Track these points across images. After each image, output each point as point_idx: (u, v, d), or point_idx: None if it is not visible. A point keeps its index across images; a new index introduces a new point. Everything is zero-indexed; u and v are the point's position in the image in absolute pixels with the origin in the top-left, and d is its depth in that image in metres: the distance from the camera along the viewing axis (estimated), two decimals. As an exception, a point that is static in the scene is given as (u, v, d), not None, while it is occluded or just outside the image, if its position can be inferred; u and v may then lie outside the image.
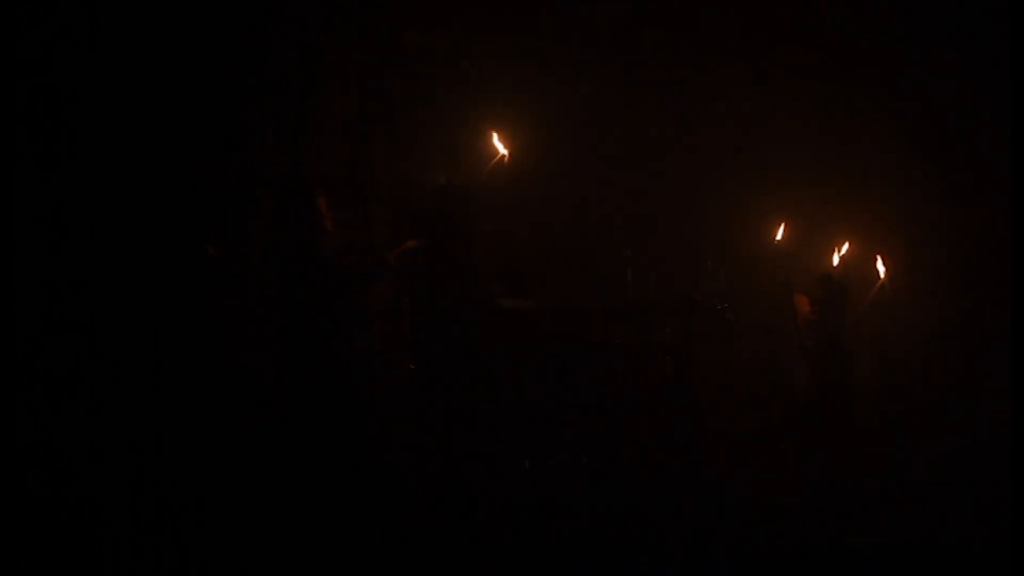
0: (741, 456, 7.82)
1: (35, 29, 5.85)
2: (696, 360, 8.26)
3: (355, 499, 6.25)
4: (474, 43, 8.86)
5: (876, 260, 8.68)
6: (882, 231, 9.24)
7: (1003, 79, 6.24)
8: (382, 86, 8.63)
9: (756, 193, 9.17)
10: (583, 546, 6.15)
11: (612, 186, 9.28)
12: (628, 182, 9.36)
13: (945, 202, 9.77)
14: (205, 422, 6.10)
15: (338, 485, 6.26)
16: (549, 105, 8.71)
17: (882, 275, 8.84)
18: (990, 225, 9.21)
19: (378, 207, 8.65)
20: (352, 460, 6.39)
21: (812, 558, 6.17)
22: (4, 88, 5.72)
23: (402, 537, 6.09)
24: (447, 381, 6.90)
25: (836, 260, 8.64)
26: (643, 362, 8.21)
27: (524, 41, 9.09)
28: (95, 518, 5.67)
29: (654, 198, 9.41)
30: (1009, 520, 5.72)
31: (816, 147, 9.67)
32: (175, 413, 6.02)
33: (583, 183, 9.15)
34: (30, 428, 5.69)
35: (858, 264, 8.78)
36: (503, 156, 6.62)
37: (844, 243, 8.69)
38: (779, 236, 8.41)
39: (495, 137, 6.61)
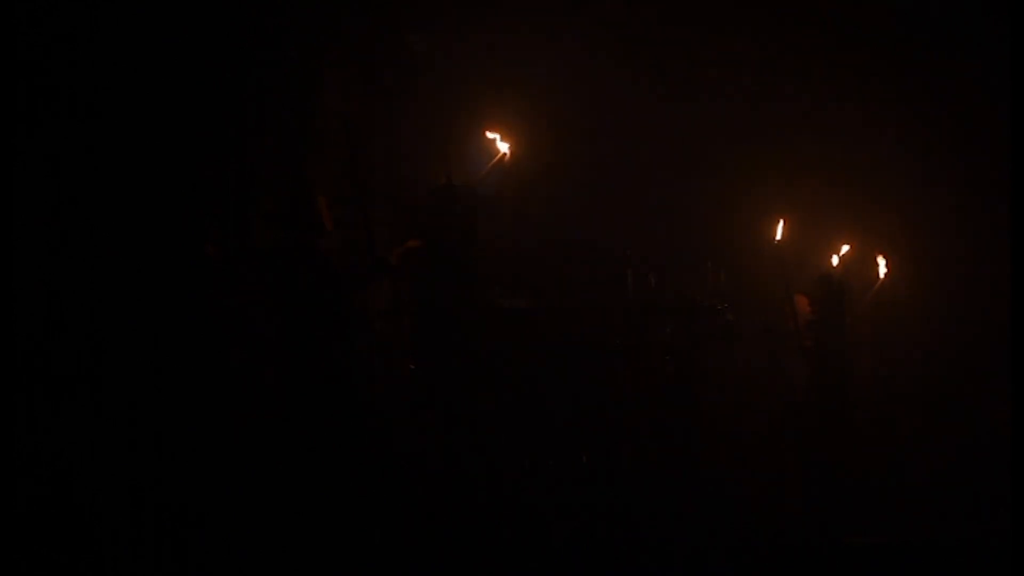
0: (741, 456, 7.81)
1: (35, 29, 5.85)
2: (696, 360, 8.26)
3: (355, 499, 6.25)
4: (474, 43, 8.86)
5: (878, 259, 8.68)
6: (882, 231, 9.24)
7: (1004, 78, 6.24)
8: (382, 86, 8.63)
9: (756, 193, 9.16)
10: (583, 546, 6.15)
11: (612, 186, 9.28)
12: (628, 182, 9.35)
13: (945, 202, 9.77)
14: (205, 422, 6.10)
15: (338, 485, 6.26)
16: (549, 105, 8.72)
17: (882, 275, 8.85)
18: (990, 225, 9.21)
19: (378, 207, 8.65)
20: (352, 460, 6.39)
21: (812, 558, 6.17)
22: (4, 88, 5.71)
23: (402, 537, 6.09)
24: (447, 381, 6.89)
25: (836, 260, 8.64)
26: (643, 362, 8.21)
27: (524, 41, 9.09)
28: (95, 518, 5.67)
29: (654, 198, 9.41)
30: (1009, 520, 5.72)
31: (816, 147, 9.67)
32: (175, 413, 6.02)
33: (583, 183, 9.15)
34: (30, 428, 5.69)
35: (858, 264, 8.79)
36: (503, 155, 6.62)
37: (844, 243, 8.68)
38: (779, 236, 8.41)
39: (496, 137, 6.62)
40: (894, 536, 6.37)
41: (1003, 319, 6.34)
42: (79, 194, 5.98)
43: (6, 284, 5.67)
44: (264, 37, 7.50)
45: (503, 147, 6.60)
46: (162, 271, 6.15)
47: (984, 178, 9.37)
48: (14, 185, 5.73)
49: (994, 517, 6.18)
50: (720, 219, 9.37)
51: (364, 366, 7.05)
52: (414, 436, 6.97)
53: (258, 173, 7.39)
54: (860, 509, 6.90)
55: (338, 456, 6.36)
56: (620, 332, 8.24)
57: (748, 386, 8.47)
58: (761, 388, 8.48)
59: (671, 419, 7.88)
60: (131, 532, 5.69)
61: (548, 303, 8.01)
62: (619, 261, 8.45)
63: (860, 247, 8.82)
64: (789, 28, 9.64)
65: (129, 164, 6.13)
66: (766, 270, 8.70)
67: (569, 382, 7.79)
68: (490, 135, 6.68)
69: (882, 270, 8.94)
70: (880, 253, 8.94)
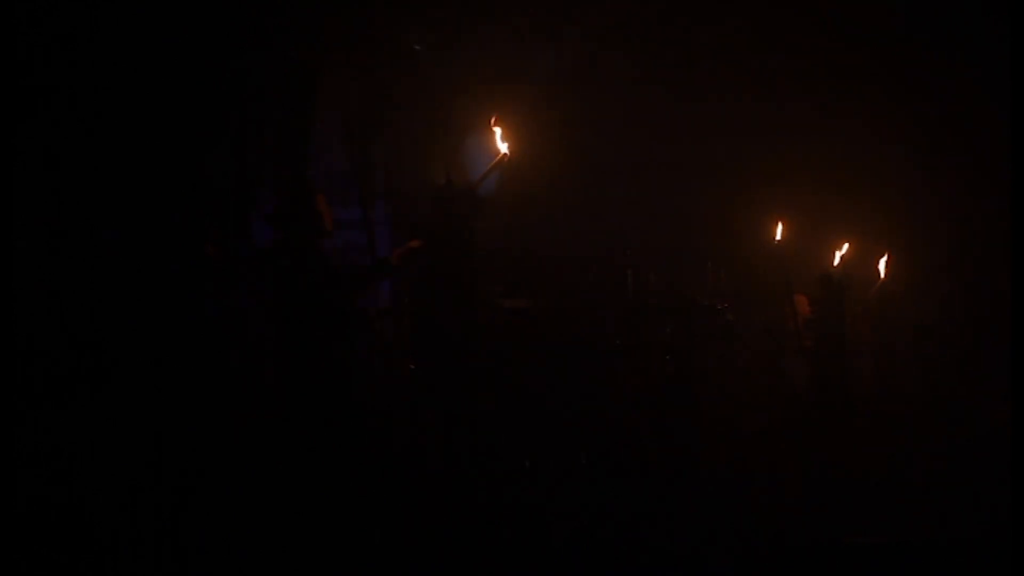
0: (741, 456, 7.81)
1: (35, 29, 5.85)
2: (696, 360, 8.26)
3: (355, 499, 6.25)
4: (474, 43, 8.87)
5: (880, 259, 8.68)
6: (882, 231, 9.24)
7: (1003, 79, 6.25)
8: (382, 86, 8.64)
9: (756, 193, 9.16)
10: (583, 546, 6.14)
11: (612, 186, 9.28)
12: (628, 182, 9.36)
13: (945, 202, 9.77)
14: (205, 422, 6.10)
15: (338, 485, 6.26)
16: (549, 105, 8.72)
17: (882, 275, 8.85)
18: (990, 224, 9.22)
19: (378, 207, 8.66)
20: (352, 460, 6.39)
21: (812, 558, 6.17)
22: (4, 88, 5.72)
23: (402, 537, 6.09)
24: (447, 381, 6.89)
25: (836, 260, 8.64)
26: (643, 362, 8.21)
27: (524, 41, 9.09)
28: (95, 518, 5.67)
29: (654, 198, 9.42)
30: (1009, 520, 5.72)
31: (816, 147, 9.67)
32: (175, 413, 6.02)
33: (583, 183, 9.15)
34: (30, 428, 5.69)
35: (858, 264, 8.79)
36: (503, 155, 6.62)
37: (844, 243, 8.68)
38: (778, 236, 8.41)
39: (499, 136, 6.61)
40: (894, 536, 6.36)
41: (1003, 319, 6.35)
42: (79, 194, 5.99)
43: (6, 284, 5.67)
44: (264, 37, 7.50)
45: (503, 147, 6.59)
46: (162, 271, 6.16)
47: (984, 178, 9.38)
48: (14, 185, 5.74)
49: (994, 517, 6.18)
50: (720, 219, 9.38)
51: (364, 366, 7.06)
52: (414, 436, 6.98)
53: (258, 173, 7.39)
54: (860, 509, 6.89)
55: (338, 456, 6.36)
56: (620, 332, 8.24)
57: (748, 386, 8.47)
58: (761, 388, 8.48)
59: (671, 419, 7.88)
60: (131, 532, 5.69)
61: (548, 303, 8.01)
62: (619, 261, 8.45)
63: (860, 247, 8.82)
64: (790, 28, 9.64)
65: (129, 164, 6.13)
66: (766, 270, 8.70)
67: (569, 382, 7.79)
68: (489, 135, 6.68)
69: (882, 270, 8.94)
70: (880, 253, 8.94)
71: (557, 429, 7.55)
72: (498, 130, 6.55)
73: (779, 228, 8.43)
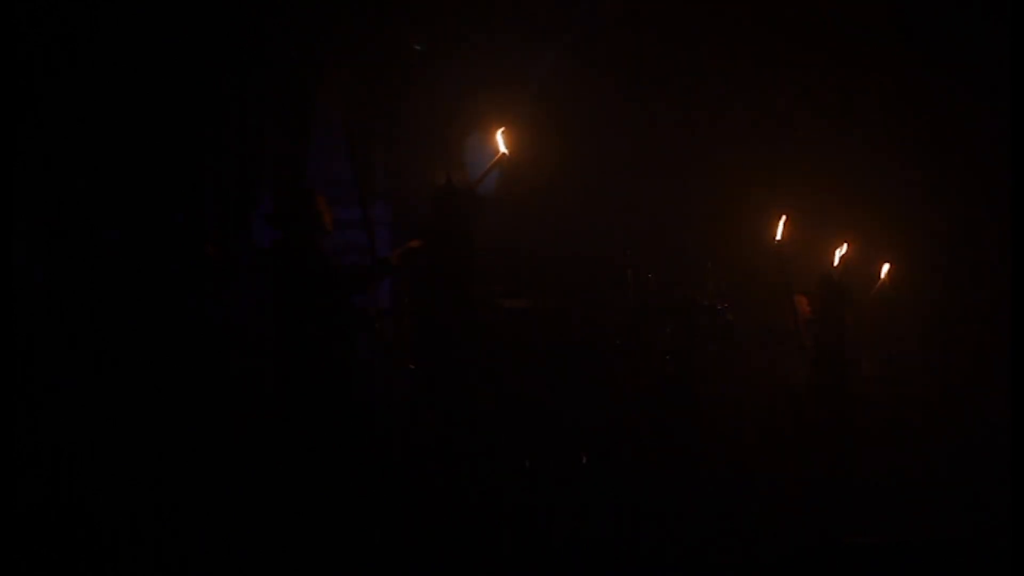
0: (741, 456, 7.81)
1: (35, 29, 5.85)
2: (696, 360, 8.26)
3: (355, 499, 6.25)
4: (474, 43, 8.87)
5: (878, 259, 8.68)
6: (882, 231, 9.24)
7: (1003, 79, 6.25)
8: (382, 86, 8.64)
9: (756, 193, 9.16)
10: (583, 546, 6.15)
11: (612, 186, 9.28)
12: (628, 182, 9.36)
13: (946, 201, 9.77)
14: (205, 422, 6.10)
15: (338, 485, 6.26)
16: (549, 105, 8.72)
17: (883, 274, 8.85)
18: (991, 224, 9.22)
19: (378, 207, 8.66)
20: (352, 460, 6.39)
21: (812, 558, 6.17)
22: (4, 88, 5.72)
23: (402, 537, 6.09)
24: (447, 381, 6.89)
25: (836, 260, 8.64)
26: (643, 362, 8.21)
27: (524, 41, 9.09)
28: (95, 518, 5.67)
29: (654, 198, 9.42)
30: (1009, 520, 5.72)
31: (816, 147, 9.67)
32: (175, 413, 6.03)
33: (583, 183, 9.15)
34: (30, 428, 5.69)
35: (858, 264, 8.79)
36: (503, 155, 6.62)
37: (844, 243, 8.68)
38: (779, 236, 8.41)
39: (499, 136, 6.61)
40: (894, 536, 6.37)
41: (1003, 318, 6.35)
42: (79, 194, 5.99)
43: (6, 284, 5.68)
44: (264, 37, 7.50)
45: (503, 147, 6.59)
46: (162, 271, 6.16)
47: (984, 178, 9.37)
48: (14, 185, 5.74)
49: (994, 517, 6.18)
50: (720, 219, 9.37)
51: (364, 366, 7.06)
52: (414, 436, 6.98)
53: (258, 173, 7.39)
54: (860, 509, 6.89)
55: (338, 456, 6.36)
56: (620, 332, 8.24)
57: (748, 386, 8.47)
58: (761, 388, 8.47)
59: (671, 419, 7.88)
60: (131, 532, 5.69)
61: (548, 303, 8.01)
62: (619, 261, 8.45)
63: (860, 247, 8.82)
64: (791, 28, 9.64)
65: (130, 164, 6.13)
66: (766, 270, 8.70)
67: (569, 382, 7.79)
68: (489, 135, 6.68)
69: (883, 270, 8.94)
70: (881, 253, 8.94)
71: (557, 429, 7.55)
72: (499, 131, 6.55)
73: (780, 228, 8.44)
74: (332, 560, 5.88)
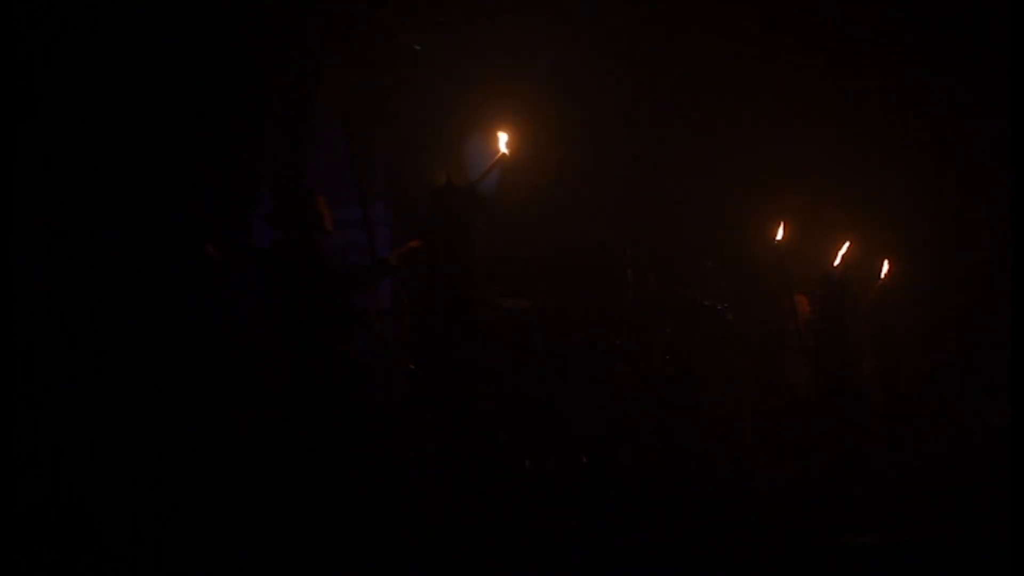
0: (741, 456, 7.81)
1: (35, 29, 5.85)
2: (696, 360, 8.25)
3: (355, 499, 6.25)
4: (474, 43, 8.87)
5: (878, 259, 8.68)
6: (883, 230, 9.24)
7: (1004, 79, 6.25)
8: (382, 86, 8.63)
9: (756, 193, 9.17)
10: (583, 546, 6.15)
11: (611, 187, 9.28)
12: (628, 182, 9.36)
13: (946, 201, 9.77)
14: (205, 422, 6.10)
15: (338, 485, 6.26)
16: (549, 105, 8.72)
17: (883, 274, 8.85)
18: (991, 224, 9.22)
19: (378, 207, 8.66)
20: (352, 460, 6.39)
21: (812, 558, 6.17)
22: (4, 88, 5.72)
23: (402, 537, 6.09)
24: (447, 381, 6.89)
25: (837, 260, 8.64)
26: (643, 362, 8.21)
27: (523, 41, 9.09)
28: (95, 518, 5.67)
29: (654, 198, 9.42)
30: (1009, 520, 5.72)
31: (817, 147, 9.67)
32: (175, 413, 6.02)
33: (583, 182, 9.15)
34: (30, 428, 5.69)
35: (858, 264, 8.79)
36: (503, 155, 6.62)
37: (845, 242, 8.68)
38: (779, 236, 8.41)
39: (499, 136, 6.61)
40: (894, 536, 6.37)
41: (1004, 318, 6.35)
42: (79, 194, 5.99)
43: (6, 284, 5.67)
44: (264, 37, 7.49)
45: (503, 147, 6.59)
46: (162, 271, 6.16)
47: (985, 178, 9.38)
48: (14, 185, 5.74)
49: (994, 517, 6.18)
50: (720, 219, 9.37)
51: (364, 366, 7.06)
52: (414, 436, 6.98)
53: (258, 173, 7.39)
54: (860, 509, 6.90)
55: (338, 456, 6.36)
56: (620, 332, 8.24)
57: (748, 386, 8.47)
58: (761, 388, 8.47)
59: (671, 419, 7.87)
60: (131, 532, 5.69)
61: (548, 303, 8.01)
62: (619, 261, 8.45)
63: (861, 246, 8.82)
64: (791, 28, 9.64)
65: (130, 164, 6.13)
66: (766, 270, 8.70)
67: (569, 382, 7.79)
68: (490, 134, 6.68)
69: (883, 270, 8.94)
70: (881, 252, 8.94)
71: (557, 429, 7.55)
72: (499, 131, 6.56)
73: (780, 228, 8.44)
74: (332, 560, 5.88)
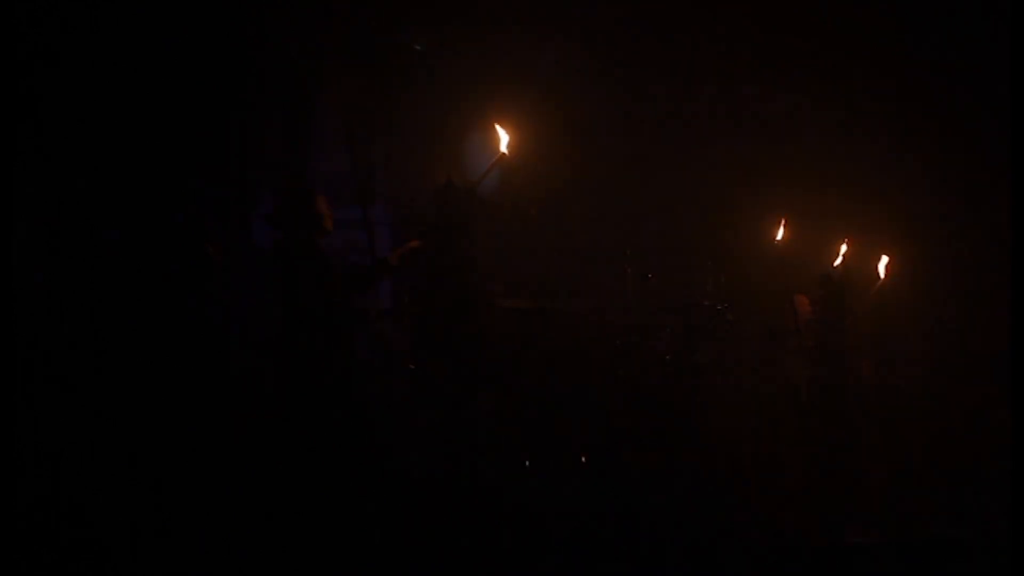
0: (741, 456, 7.81)
1: (35, 29, 5.85)
2: (696, 360, 8.25)
3: (355, 499, 6.25)
4: (474, 42, 8.87)
5: (878, 259, 8.67)
6: (883, 230, 9.23)
7: (1004, 78, 6.25)
8: (382, 86, 8.63)
9: (756, 193, 9.16)
10: (583, 546, 6.15)
11: (611, 186, 9.28)
12: (628, 182, 9.36)
13: (946, 201, 9.77)
14: (205, 422, 6.10)
15: (338, 485, 6.26)
16: (549, 105, 8.71)
17: (883, 274, 8.84)
18: (991, 224, 9.22)
19: (378, 207, 8.66)
20: (352, 460, 6.39)
21: (812, 558, 6.17)
22: (4, 88, 5.72)
23: (402, 537, 6.09)
24: (447, 381, 6.89)
25: (837, 260, 8.64)
26: (643, 362, 8.20)
27: (524, 41, 9.09)
28: (95, 518, 5.67)
29: (654, 198, 9.41)
30: (1009, 520, 5.72)
31: (817, 146, 9.67)
32: (175, 413, 6.02)
33: (583, 182, 9.15)
34: (30, 428, 5.69)
35: (858, 264, 8.78)
36: (503, 155, 6.61)
37: (844, 242, 8.68)
38: (779, 236, 8.40)
39: (500, 136, 6.61)
40: (894, 536, 6.37)
41: (1003, 318, 6.34)
42: (80, 194, 5.99)
43: (6, 284, 5.67)
44: (265, 37, 7.50)
45: (503, 146, 6.59)
46: (162, 271, 6.16)
47: (985, 177, 9.37)
48: (14, 185, 5.74)
49: (994, 517, 6.18)
50: (720, 219, 9.37)
51: (364, 366, 7.06)
52: (414, 436, 6.98)
53: (258, 173, 7.39)
54: (860, 509, 6.90)
55: (338, 456, 6.36)
56: (620, 332, 8.24)
57: (748, 386, 8.46)
58: (761, 388, 8.47)
59: (671, 419, 7.87)
60: (131, 532, 5.69)
61: (548, 303, 8.01)
62: (619, 261, 8.45)
63: (860, 247, 8.82)
64: (791, 27, 9.64)
65: (130, 164, 6.14)
66: (766, 270, 8.70)
67: (569, 382, 7.79)
68: (490, 134, 6.68)
69: (883, 270, 8.93)
70: (881, 252, 8.93)
71: (557, 429, 7.55)
72: (500, 130, 6.55)
73: (780, 228, 8.43)
74: (332, 560, 5.88)
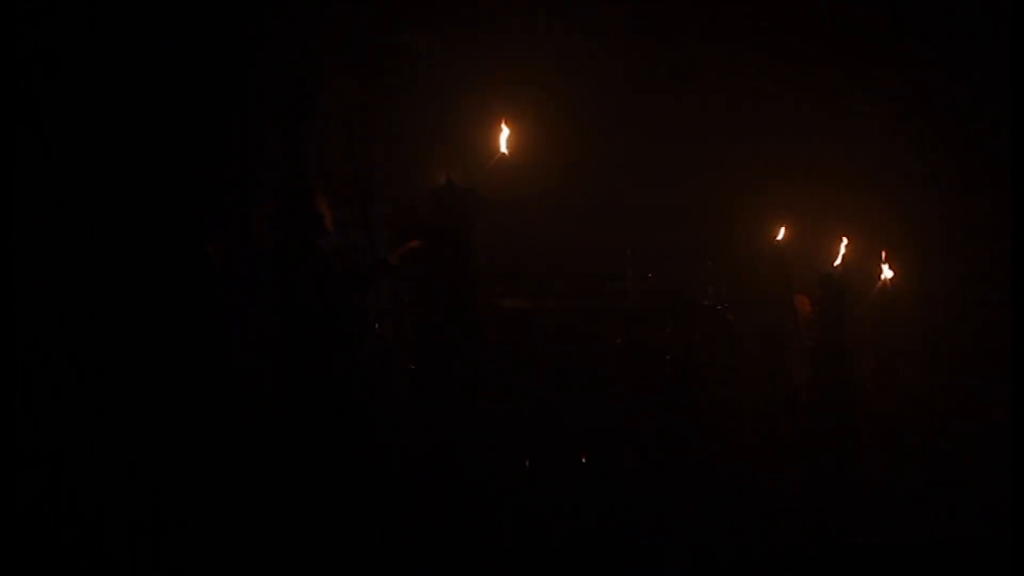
0: (741, 456, 7.81)
1: (35, 29, 5.85)
2: (696, 360, 8.25)
3: (355, 499, 6.25)
4: (474, 42, 8.87)
5: (878, 259, 8.68)
6: (883, 231, 9.24)
7: (1004, 78, 6.24)
8: (382, 86, 8.63)
9: (756, 193, 9.16)
10: (583, 546, 6.15)
11: (611, 186, 9.28)
12: (628, 182, 9.35)
13: (946, 201, 9.77)
14: (205, 422, 6.10)
15: (338, 485, 6.26)
16: (549, 105, 8.71)
17: (883, 275, 8.85)
18: (991, 224, 9.22)
19: (378, 207, 8.65)
20: (352, 460, 6.39)
21: (812, 558, 6.17)
22: (4, 88, 5.71)
23: (402, 537, 6.09)
24: (447, 381, 6.89)
25: (837, 260, 8.64)
26: (643, 362, 8.21)
27: (524, 41, 9.08)
28: (95, 518, 5.67)
29: (654, 198, 9.41)
30: (1009, 520, 5.72)
31: (817, 146, 9.67)
32: (175, 413, 6.02)
33: (583, 182, 9.14)
34: (30, 427, 5.69)
35: (858, 264, 8.79)
36: (503, 155, 6.62)
37: (844, 243, 8.68)
38: (779, 236, 8.41)
39: (499, 136, 6.61)
40: (894, 536, 6.37)
41: (1004, 318, 6.34)
42: (79, 194, 5.98)
43: (6, 284, 5.67)
44: (264, 37, 7.49)
45: (503, 147, 6.60)
46: (162, 271, 6.15)
47: (985, 178, 9.37)
48: (14, 185, 5.73)
49: (994, 517, 6.18)
50: (720, 219, 9.37)
51: (364, 366, 7.05)
52: (414, 436, 6.98)
53: (258, 173, 7.38)
54: (860, 509, 6.90)
55: (338, 456, 6.35)
56: (620, 332, 8.24)
57: (748, 386, 8.47)
58: (761, 388, 8.47)
59: (671, 419, 7.87)
60: (131, 532, 5.68)
61: (548, 303, 8.01)
62: (619, 261, 8.45)
63: (861, 247, 8.82)
64: (791, 28, 9.64)
65: (129, 164, 6.13)
66: (766, 270, 8.70)
67: (569, 382, 7.79)
68: (490, 135, 6.69)
69: (883, 270, 8.94)
70: (881, 253, 8.94)
71: (557, 429, 7.55)
72: (501, 130, 6.56)
73: (780, 228, 8.44)
74: (332, 560, 5.88)
